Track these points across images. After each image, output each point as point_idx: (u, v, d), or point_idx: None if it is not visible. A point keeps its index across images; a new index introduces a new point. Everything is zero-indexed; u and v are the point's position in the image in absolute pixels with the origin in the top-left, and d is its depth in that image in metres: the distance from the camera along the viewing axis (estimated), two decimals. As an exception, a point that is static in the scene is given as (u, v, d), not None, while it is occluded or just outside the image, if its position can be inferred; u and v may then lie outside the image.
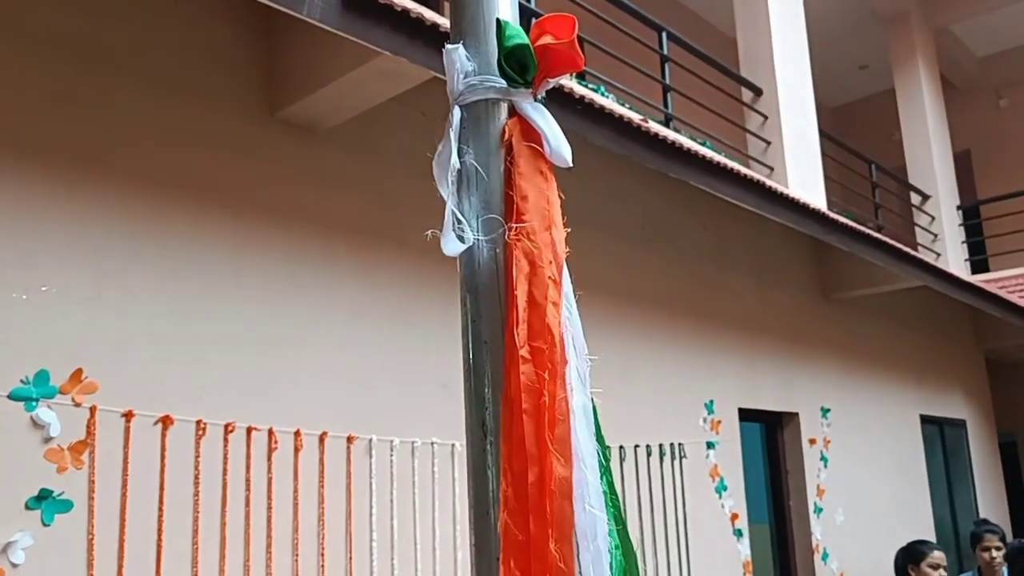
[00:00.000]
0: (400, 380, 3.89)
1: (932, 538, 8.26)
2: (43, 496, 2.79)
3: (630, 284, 5.32)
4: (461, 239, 1.09)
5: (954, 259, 9.88)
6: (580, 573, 0.96)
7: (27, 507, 2.76)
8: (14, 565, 2.70)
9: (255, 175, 3.55)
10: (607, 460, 1.13)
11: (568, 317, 1.07)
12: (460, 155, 1.14)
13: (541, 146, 1.15)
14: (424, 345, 3.98)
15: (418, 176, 3.91)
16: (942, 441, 9.08)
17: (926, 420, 8.61)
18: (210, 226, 3.38)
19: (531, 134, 1.16)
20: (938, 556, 4.95)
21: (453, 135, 1.14)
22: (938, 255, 9.72)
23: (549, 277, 1.07)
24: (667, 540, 5.17)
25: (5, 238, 2.83)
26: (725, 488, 5.74)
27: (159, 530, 3.03)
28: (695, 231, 5.99)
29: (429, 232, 1.13)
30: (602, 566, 0.98)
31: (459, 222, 1.09)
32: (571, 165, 1.16)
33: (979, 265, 10.91)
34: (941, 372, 9.07)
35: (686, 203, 5.83)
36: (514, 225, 1.09)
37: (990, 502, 9.55)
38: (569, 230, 1.12)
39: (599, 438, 1.11)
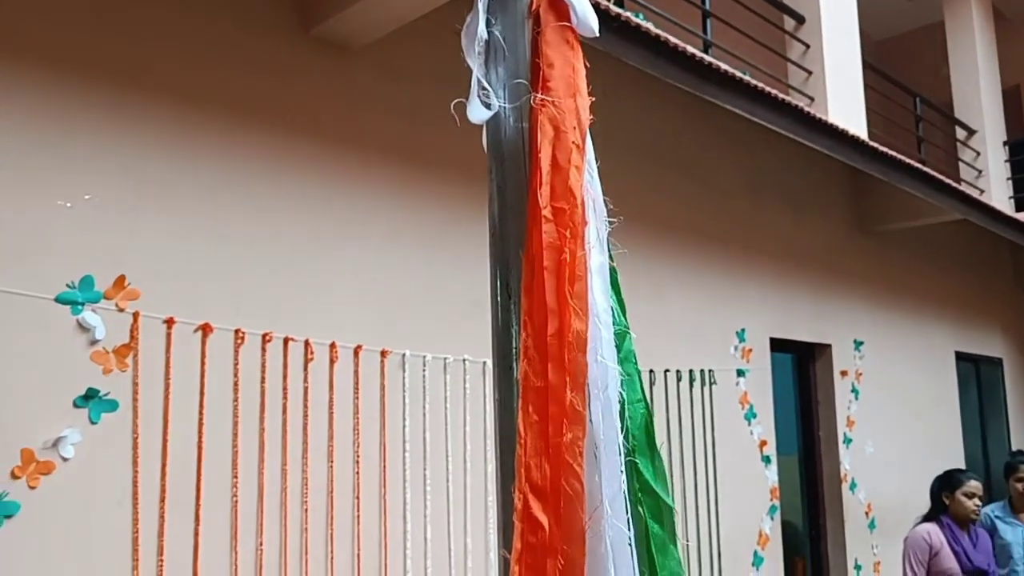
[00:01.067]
0: (433, 298, 3.95)
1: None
2: (90, 395, 2.91)
3: (663, 211, 5.31)
4: (487, 106, 1.11)
5: (998, 195, 9.66)
6: (591, 421, 1.01)
7: (75, 405, 2.88)
8: (64, 459, 2.83)
9: (290, 93, 3.58)
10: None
11: (589, 181, 1.10)
12: (488, 26, 1.16)
13: (568, 16, 1.17)
14: (456, 265, 4.03)
15: (452, 96, 3.91)
16: (977, 379, 9.02)
17: (961, 357, 8.55)
18: (246, 143, 3.42)
19: (558, 4, 1.17)
20: (974, 485, 4.96)
21: (481, 6, 1.15)
22: (981, 191, 9.51)
23: (572, 142, 1.09)
24: (695, 465, 5.24)
25: (51, 148, 2.90)
26: (754, 415, 5.78)
27: (200, 432, 3.15)
28: (730, 160, 5.93)
29: (454, 103, 1.15)
30: (611, 415, 1.02)
31: (485, 90, 1.11)
32: (597, 35, 1.17)
33: (1024, 203, 10.66)
34: (979, 309, 8.97)
35: (722, 131, 5.77)
36: (539, 94, 1.11)
37: (1024, 441, 9.52)
38: (593, 99, 1.14)
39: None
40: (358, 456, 3.57)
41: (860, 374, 6.91)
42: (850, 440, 6.70)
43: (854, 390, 6.83)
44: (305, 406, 3.45)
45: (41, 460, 2.79)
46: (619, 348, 1.11)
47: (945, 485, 5.03)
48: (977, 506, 4.92)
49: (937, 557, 4.85)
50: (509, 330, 1.09)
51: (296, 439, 3.41)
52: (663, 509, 1.09)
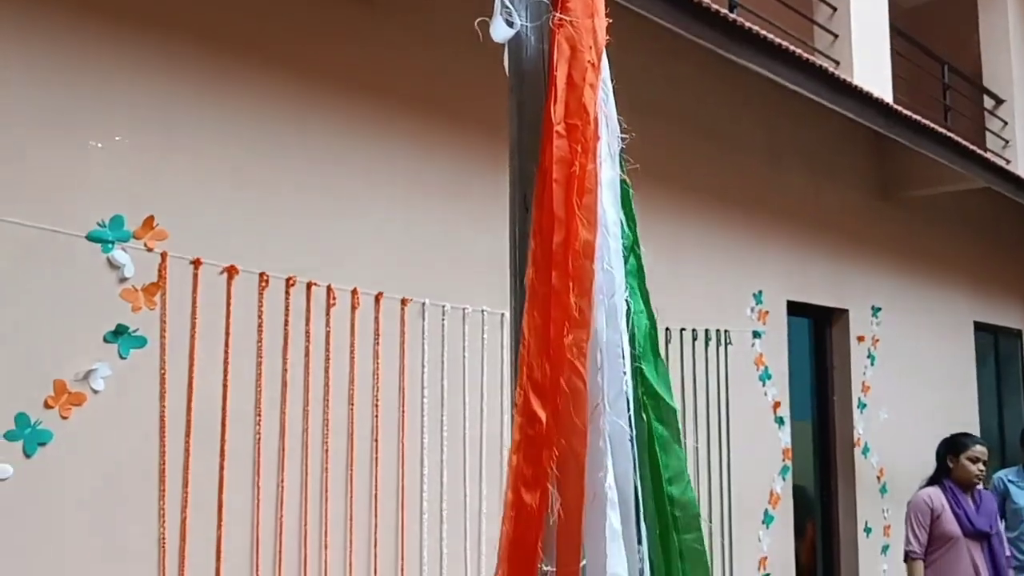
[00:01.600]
0: (453, 249, 4.01)
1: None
2: (120, 331, 3.01)
3: (684, 171, 5.33)
4: (509, 24, 1.16)
5: (1024, 164, 9.56)
6: (595, 325, 1.07)
7: (105, 340, 2.98)
8: (95, 391, 2.93)
9: (317, 45, 3.63)
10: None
11: (604, 99, 1.15)
12: (509, -53, 1.20)
13: (586, -61, 1.21)
14: (477, 216, 4.08)
15: (475, 50, 3.95)
16: (996, 350, 9.00)
17: (980, 327, 8.53)
18: (273, 92, 3.48)
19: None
20: (979, 450, 5.01)
21: (502, -72, 1.19)
22: (1008, 161, 9.42)
23: (588, 61, 1.14)
24: (708, 424, 5.30)
25: (83, 90, 2.97)
26: (769, 377, 5.83)
27: (225, 372, 3.24)
28: (753, 122, 5.92)
29: (477, 20, 1.20)
30: (616, 320, 1.07)
31: (507, 8, 1.16)
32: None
33: (1052, 175, 10.54)
34: (1000, 280, 8.93)
35: (745, 93, 5.76)
36: (558, 13, 1.16)
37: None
38: (610, 21, 1.19)
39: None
40: (377, 400, 3.67)
41: (877, 340, 6.93)
42: (864, 405, 6.73)
43: (870, 356, 6.85)
44: (327, 350, 3.54)
45: (72, 392, 2.89)
46: (626, 260, 1.16)
47: (950, 448, 5.08)
48: (981, 471, 4.96)
49: (939, 520, 4.91)
50: (526, 241, 1.15)
51: (318, 382, 3.50)
52: (666, 411, 1.15)
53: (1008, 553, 5.13)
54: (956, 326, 8.12)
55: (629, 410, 1.07)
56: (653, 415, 1.14)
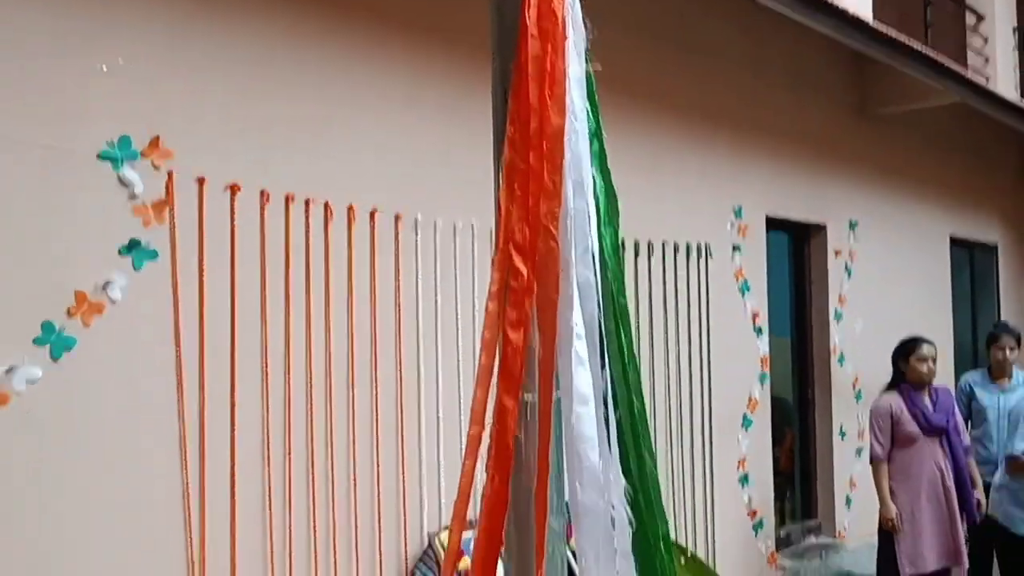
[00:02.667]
0: (446, 166, 4.20)
1: (951, 357, 8.64)
2: (132, 245, 3.21)
3: (665, 86, 5.49)
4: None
5: (1004, 83, 9.72)
6: (565, 198, 1.28)
7: (119, 253, 3.19)
8: (112, 301, 3.15)
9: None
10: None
11: (571, 4, 1.34)
12: None
13: None
14: (469, 136, 4.25)
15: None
16: (971, 264, 9.27)
17: (956, 242, 8.79)
18: (272, 12, 3.62)
19: None
20: (927, 350, 5.30)
21: None
22: (988, 79, 9.56)
23: (556, -27, 1.33)
24: (689, 333, 5.57)
25: (88, 13, 3.12)
26: (748, 289, 6.09)
27: (232, 283, 3.46)
28: (734, 38, 6.05)
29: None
30: (583, 190, 1.29)
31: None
32: None
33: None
34: (977, 196, 9.15)
35: (726, 9, 5.87)
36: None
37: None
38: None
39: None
40: (374, 309, 3.90)
41: (853, 254, 7.18)
42: (841, 316, 7.02)
43: (847, 269, 7.11)
44: (326, 263, 3.75)
45: (93, 301, 3.11)
46: (591, 143, 1.37)
47: (900, 353, 5.37)
48: (931, 368, 5.26)
49: (899, 423, 5.23)
50: (504, 127, 1.36)
51: (318, 292, 3.72)
52: (614, 270, 1.38)
53: (967, 444, 5.46)
54: (932, 240, 8.37)
55: (594, 263, 1.30)
56: (612, 274, 1.37)
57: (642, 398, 1.38)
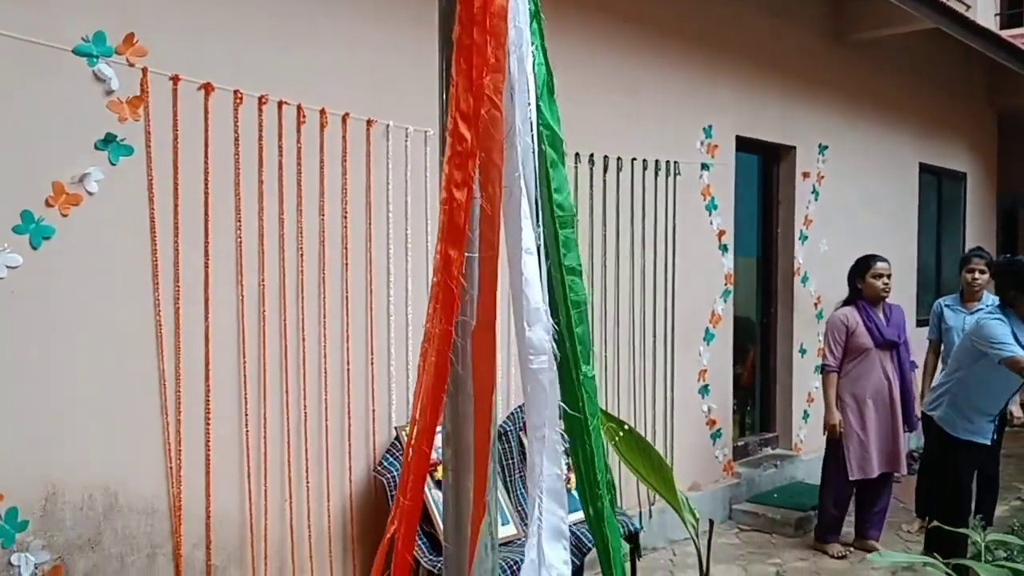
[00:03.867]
0: (418, 76, 4.26)
1: (913, 280, 8.89)
2: (108, 139, 3.30)
3: (640, 7, 5.53)
4: None
5: (984, 11, 9.77)
6: (507, 71, 1.40)
7: (96, 147, 3.28)
8: (89, 193, 3.25)
9: None
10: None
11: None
12: None
13: None
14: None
15: None
16: (939, 191, 9.46)
17: (925, 169, 8.95)
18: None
19: None
20: (882, 266, 5.52)
21: None
22: (968, 7, 9.61)
23: None
24: (655, 249, 5.73)
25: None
26: (715, 207, 6.24)
27: (206, 181, 3.56)
28: (710, -43, 6.06)
29: None
30: (524, 64, 1.41)
31: None
32: None
33: (1014, 19, 10.77)
34: (948, 124, 9.28)
35: (703, -73, 5.88)
36: None
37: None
38: None
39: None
40: (346, 212, 4.02)
41: (822, 177, 7.33)
42: (806, 237, 7.21)
43: (814, 191, 7.27)
44: (298, 164, 3.85)
45: (70, 192, 3.21)
46: (531, 23, 1.48)
47: (857, 270, 5.59)
48: (886, 284, 5.47)
49: (853, 335, 5.47)
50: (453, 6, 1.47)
51: (291, 193, 3.83)
52: (555, 140, 1.51)
53: (913, 359, 5.72)
54: (900, 166, 8.53)
55: (533, 131, 1.43)
56: (547, 142, 1.50)
57: (574, 251, 1.53)
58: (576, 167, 5.13)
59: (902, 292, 8.41)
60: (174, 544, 3.50)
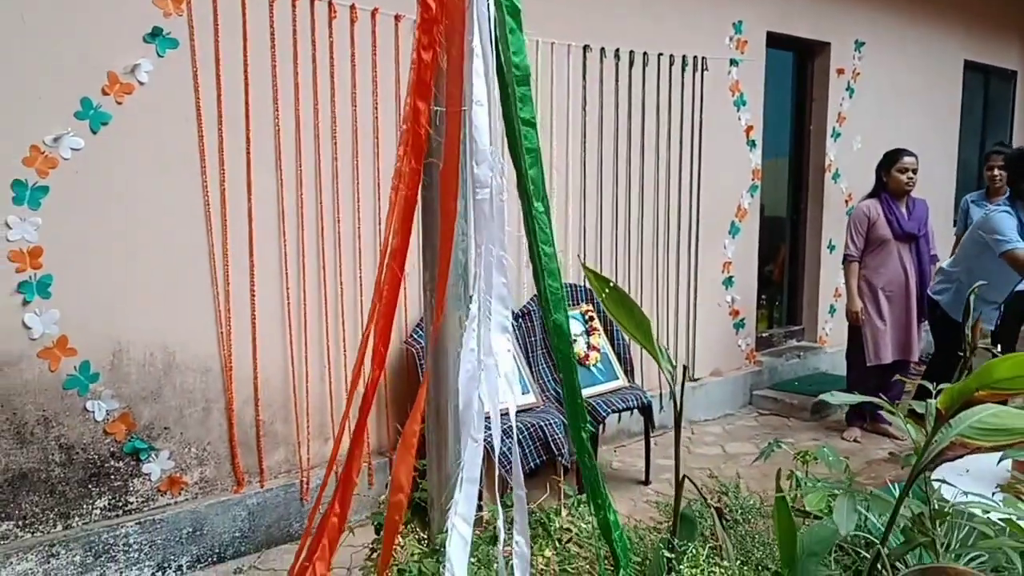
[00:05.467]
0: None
1: (952, 180, 8.87)
2: (155, 33, 3.61)
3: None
4: None
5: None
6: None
7: (144, 40, 3.60)
8: (140, 83, 3.59)
9: None
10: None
11: None
12: None
13: None
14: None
15: None
16: (985, 90, 9.30)
17: (971, 66, 8.80)
18: None
19: None
20: (908, 161, 5.62)
21: None
22: None
23: None
24: (681, 143, 5.90)
25: None
26: (744, 103, 6.35)
27: (245, 72, 3.86)
28: None
29: None
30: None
31: None
32: None
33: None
34: (998, 19, 9.06)
35: None
36: None
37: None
38: None
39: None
40: (376, 103, 4.30)
41: (857, 74, 7.33)
42: (839, 135, 7.27)
43: (849, 88, 7.29)
44: (331, 58, 4.12)
45: (123, 82, 3.55)
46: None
47: (884, 163, 5.71)
48: (911, 178, 5.59)
49: (875, 226, 5.63)
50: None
51: (324, 85, 4.12)
52: (515, 10, 1.76)
53: (934, 253, 5.86)
54: (943, 63, 8.41)
55: (490, 1, 1.68)
56: (506, 11, 1.75)
57: (529, 106, 1.80)
58: (602, 62, 5.30)
59: (939, 191, 8.43)
60: (226, 400, 3.96)
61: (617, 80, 5.43)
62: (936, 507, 2.87)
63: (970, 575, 1.82)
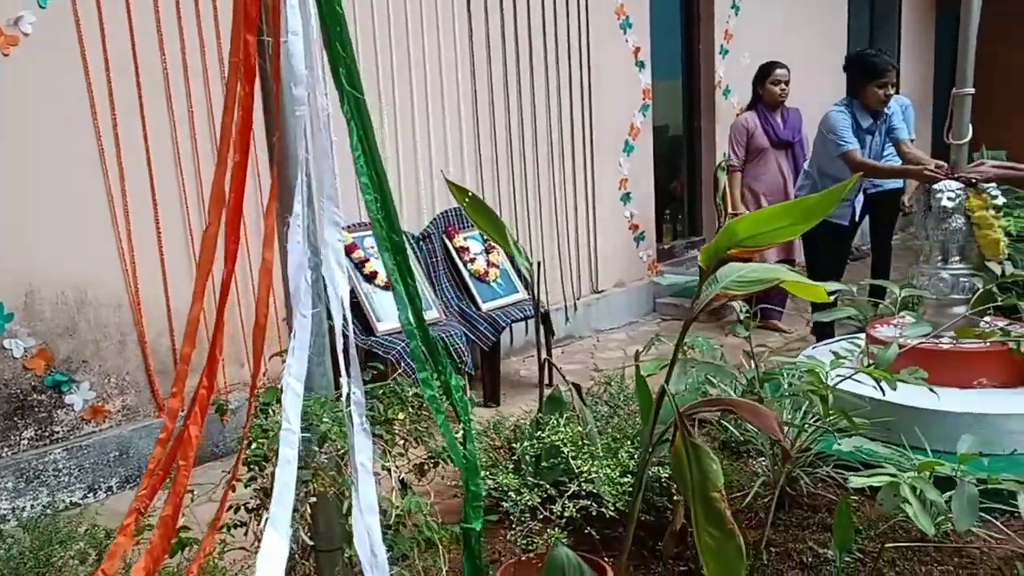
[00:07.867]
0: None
1: (841, 89, 9.30)
2: (35, -15, 3.76)
3: None
4: None
5: None
6: None
7: (25, -7, 3.74)
8: (25, 34, 3.74)
9: None
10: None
11: None
12: None
13: None
14: None
15: None
16: (871, 5, 9.70)
17: (855, -21, 9.19)
18: None
19: None
20: (780, 73, 6.03)
21: None
22: None
23: None
24: (569, 66, 6.18)
25: None
26: (630, 25, 6.64)
27: (128, 17, 4.02)
28: None
29: None
30: None
31: None
32: None
33: None
34: (879, -67, 9.43)
35: None
36: None
37: (912, 78, 10.24)
38: None
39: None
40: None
41: (742, -8, 7.66)
42: (727, 52, 7.62)
43: (734, 6, 7.62)
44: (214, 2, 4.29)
45: (8, 34, 3.70)
46: None
47: (758, 77, 6.10)
48: (783, 90, 5.99)
49: (753, 137, 6.05)
50: None
51: (208, 22, 4.29)
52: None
53: (806, 157, 6.29)
54: (827, -23, 8.77)
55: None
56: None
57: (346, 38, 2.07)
58: (485, -8, 5.54)
59: (823, 103, 8.85)
60: (139, 333, 4.21)
61: (502, 7, 5.67)
62: (764, 371, 3.34)
63: (746, 404, 2.22)
